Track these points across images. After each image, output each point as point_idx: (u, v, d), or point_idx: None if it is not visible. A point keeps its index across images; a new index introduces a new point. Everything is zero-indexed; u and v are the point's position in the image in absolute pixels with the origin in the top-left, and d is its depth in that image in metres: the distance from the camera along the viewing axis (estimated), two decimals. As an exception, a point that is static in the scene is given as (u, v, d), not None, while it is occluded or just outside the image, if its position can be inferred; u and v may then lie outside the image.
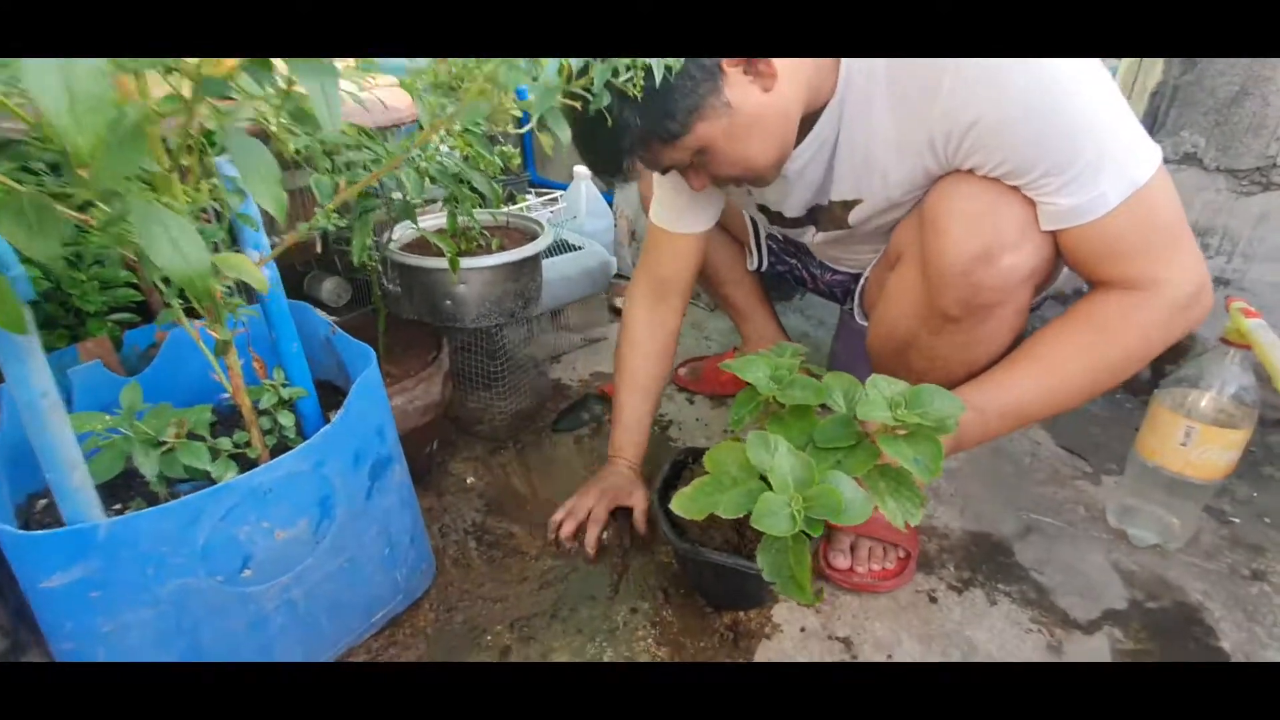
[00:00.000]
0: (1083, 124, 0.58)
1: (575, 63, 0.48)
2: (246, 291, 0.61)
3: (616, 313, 1.62)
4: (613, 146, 0.62)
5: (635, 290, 0.99)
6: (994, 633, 0.80)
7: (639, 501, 0.92)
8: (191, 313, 0.59)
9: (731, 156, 0.66)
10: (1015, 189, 0.63)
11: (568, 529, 0.90)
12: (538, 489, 1.05)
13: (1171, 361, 1.24)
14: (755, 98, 0.63)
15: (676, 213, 0.92)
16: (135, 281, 0.74)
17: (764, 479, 0.59)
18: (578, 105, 0.49)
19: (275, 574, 0.61)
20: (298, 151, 0.78)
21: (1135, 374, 0.66)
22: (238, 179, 0.53)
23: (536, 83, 0.47)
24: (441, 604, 0.83)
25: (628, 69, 0.49)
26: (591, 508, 0.91)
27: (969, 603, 0.84)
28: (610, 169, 0.67)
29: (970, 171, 0.65)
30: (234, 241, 0.63)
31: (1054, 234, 0.64)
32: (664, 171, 0.73)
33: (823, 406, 0.67)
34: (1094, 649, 0.78)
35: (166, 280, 0.50)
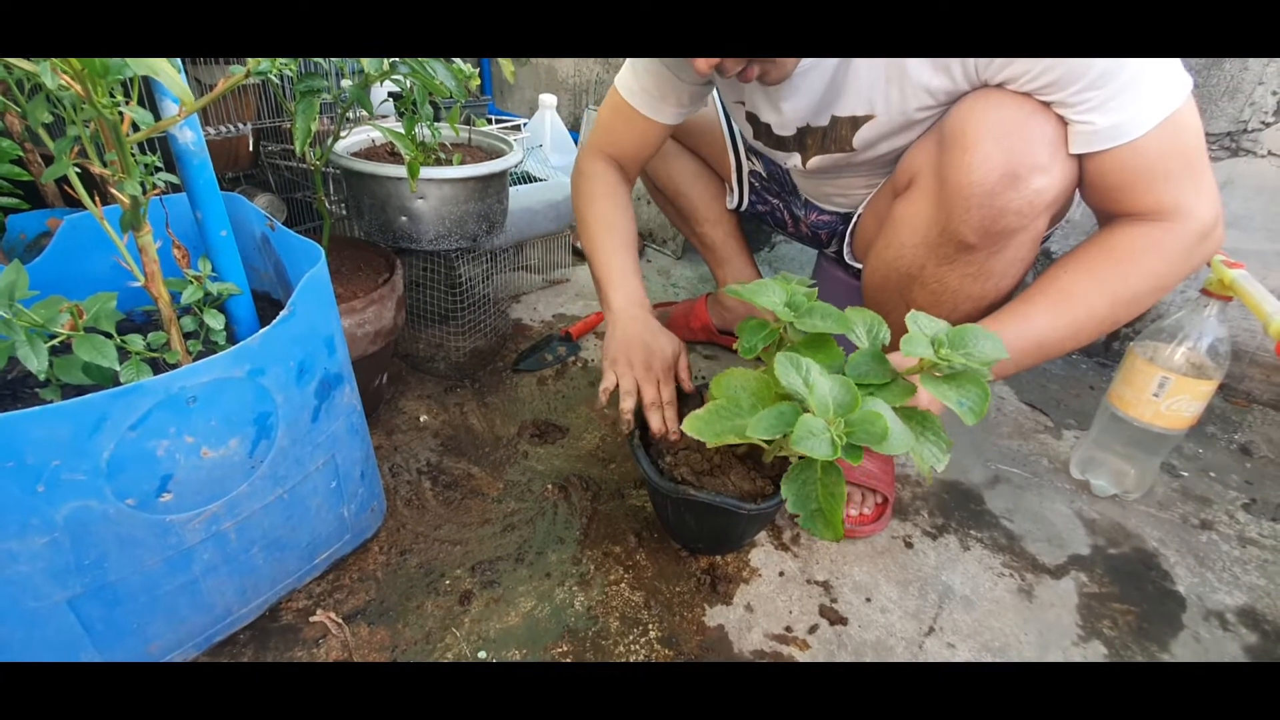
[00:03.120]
0: None
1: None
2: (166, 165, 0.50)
3: (580, 255, 1.53)
4: None
5: (594, 153, 0.92)
6: (968, 576, 0.79)
7: (683, 363, 0.81)
8: (92, 190, 0.48)
9: None
10: (1047, 107, 0.59)
11: (657, 424, 0.75)
12: (498, 428, 0.97)
13: (1129, 326, 1.27)
14: None
15: (652, 95, 0.85)
16: (21, 155, 0.61)
17: (788, 401, 0.54)
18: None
19: (202, 501, 0.52)
20: None
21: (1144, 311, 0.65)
22: None
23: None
24: (393, 546, 0.76)
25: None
26: (655, 394, 0.76)
27: (943, 548, 0.83)
28: None
29: (999, 87, 0.60)
30: (150, 104, 0.52)
31: (1080, 160, 0.60)
32: None
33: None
34: (1063, 591, 0.78)
35: (51, 128, 0.39)
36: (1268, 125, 1.05)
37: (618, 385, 0.78)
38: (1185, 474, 1.01)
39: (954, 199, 0.62)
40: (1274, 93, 1.03)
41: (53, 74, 0.31)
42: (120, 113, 0.36)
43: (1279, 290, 1.10)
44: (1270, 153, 1.06)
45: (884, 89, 0.67)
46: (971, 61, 0.60)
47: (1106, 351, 1.30)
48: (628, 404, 0.76)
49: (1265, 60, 1.02)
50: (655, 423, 0.75)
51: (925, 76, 0.65)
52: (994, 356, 0.54)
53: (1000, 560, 0.82)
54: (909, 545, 0.83)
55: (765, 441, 0.57)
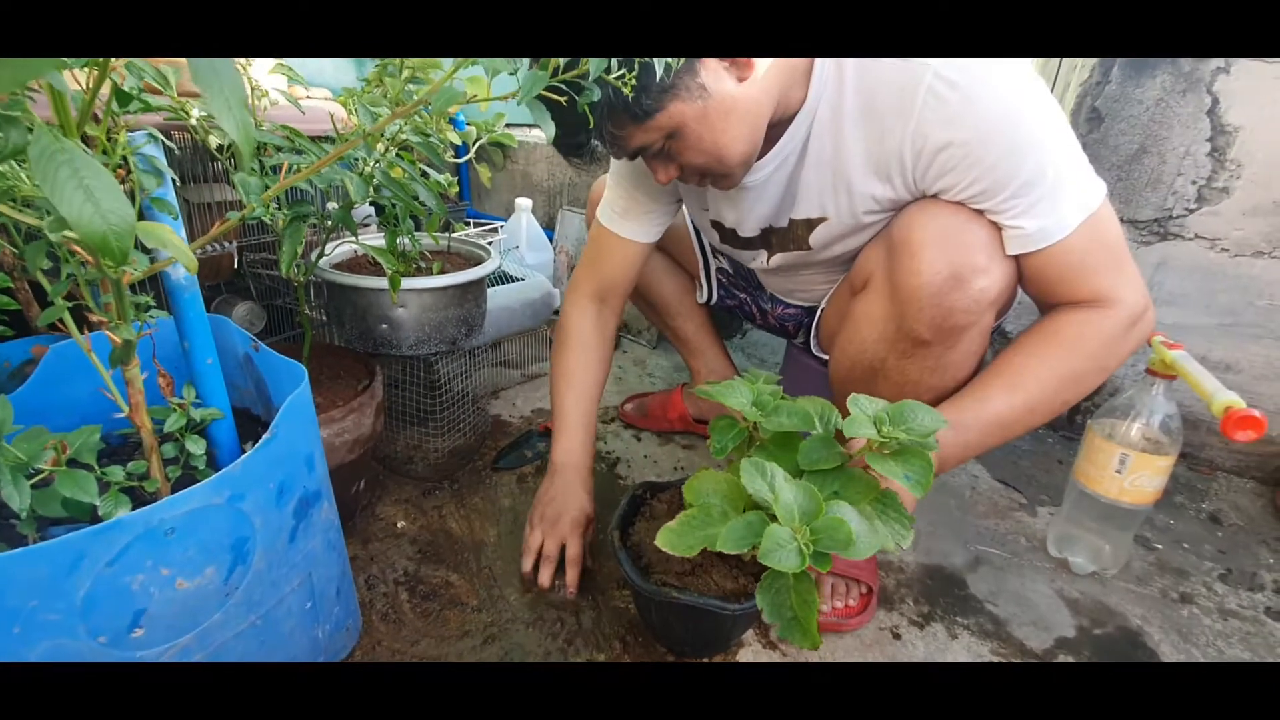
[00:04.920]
0: (1049, 147, 0.61)
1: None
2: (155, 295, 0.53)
3: (557, 348, 1.56)
4: (583, 124, 0.59)
5: (575, 293, 0.97)
6: (958, 667, 0.78)
7: (579, 534, 0.85)
8: (81, 322, 0.50)
9: (703, 143, 0.65)
10: (980, 214, 0.64)
11: (545, 578, 0.82)
12: (477, 532, 0.96)
13: (1089, 399, 1.32)
14: (730, 86, 0.63)
15: (627, 217, 0.91)
16: (10, 286, 0.63)
17: (759, 509, 0.55)
18: (561, 100, 0.45)
19: (173, 634, 0.50)
20: (220, 149, 0.71)
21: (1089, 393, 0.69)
22: (153, 158, 0.46)
23: (516, 75, 0.44)
24: (369, 665, 0.73)
25: (620, 66, 0.47)
26: (540, 546, 0.85)
27: (931, 637, 0.83)
28: (577, 147, 0.64)
29: (936, 197, 0.66)
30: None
31: (1017, 259, 0.66)
32: (631, 156, 0.69)
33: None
34: (1053, 679, 0.77)
35: (51, 270, 0.42)
36: (1191, 211, 1.14)
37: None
38: (1159, 546, 1.02)
39: (907, 300, 0.67)
40: (1193, 182, 1.13)
41: (62, 242, 0.33)
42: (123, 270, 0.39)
43: (1227, 361, 1.17)
44: (1197, 235, 1.15)
45: (832, 195, 0.73)
46: (910, 171, 0.66)
47: (1070, 425, 1.34)
48: (526, 563, 0.84)
49: (1181, 154, 1.13)
50: (544, 578, 0.82)
51: (869, 186, 0.71)
52: (932, 427, 0.57)
53: (988, 647, 0.82)
54: (896, 636, 0.82)
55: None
